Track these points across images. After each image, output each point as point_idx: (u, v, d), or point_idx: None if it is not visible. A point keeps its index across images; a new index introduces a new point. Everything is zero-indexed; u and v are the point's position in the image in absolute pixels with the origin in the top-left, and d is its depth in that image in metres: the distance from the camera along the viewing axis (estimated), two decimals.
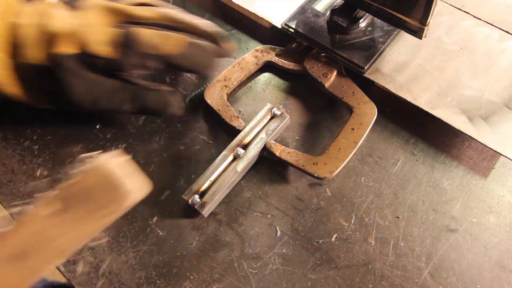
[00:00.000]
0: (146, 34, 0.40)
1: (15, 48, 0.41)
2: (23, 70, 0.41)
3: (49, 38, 0.40)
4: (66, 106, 0.43)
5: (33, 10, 0.41)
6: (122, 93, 0.41)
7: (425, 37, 0.44)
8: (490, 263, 0.39)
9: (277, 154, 0.43)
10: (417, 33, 0.43)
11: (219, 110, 0.46)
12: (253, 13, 0.52)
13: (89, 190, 0.26)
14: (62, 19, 0.41)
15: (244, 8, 0.52)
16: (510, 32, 0.49)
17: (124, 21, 0.42)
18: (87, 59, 0.40)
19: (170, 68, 0.43)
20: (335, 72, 0.47)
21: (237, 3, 0.53)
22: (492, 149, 0.42)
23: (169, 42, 0.40)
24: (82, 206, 0.26)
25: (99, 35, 0.40)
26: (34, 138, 0.46)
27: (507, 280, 0.38)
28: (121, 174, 0.26)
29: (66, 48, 0.39)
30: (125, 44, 0.40)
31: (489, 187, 0.43)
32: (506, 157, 0.41)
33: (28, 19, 0.41)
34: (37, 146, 0.46)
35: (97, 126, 0.47)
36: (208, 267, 0.39)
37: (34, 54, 0.40)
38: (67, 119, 0.47)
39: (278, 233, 0.41)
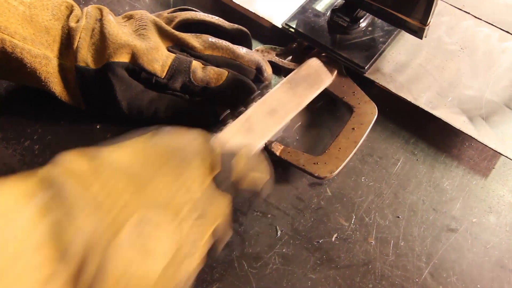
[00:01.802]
0: (196, 67, 0.43)
1: (66, 50, 0.43)
2: (72, 71, 0.43)
3: (105, 45, 0.42)
4: (102, 109, 0.45)
5: (92, 15, 0.43)
6: (158, 102, 0.44)
7: (425, 37, 0.44)
8: (490, 263, 0.39)
9: (278, 153, 0.43)
10: (418, 33, 0.43)
11: (218, 109, 0.46)
12: (254, 13, 0.52)
13: (305, 75, 0.45)
14: (119, 29, 0.43)
15: (245, 8, 0.52)
16: (511, 32, 0.49)
17: (175, 45, 0.45)
18: (133, 69, 0.42)
19: (208, 99, 0.45)
20: (335, 72, 0.47)
21: (238, 3, 0.53)
22: (492, 149, 0.42)
23: (209, 75, 0.43)
24: (302, 84, 0.44)
25: (153, 53, 0.42)
26: (35, 138, 0.46)
27: (507, 280, 0.38)
28: (321, 68, 0.46)
29: (120, 57, 0.42)
30: (176, 69, 0.42)
31: (490, 187, 0.43)
32: (506, 157, 0.41)
33: (86, 25, 0.43)
34: (37, 146, 0.46)
35: (97, 126, 0.47)
36: (208, 267, 0.39)
37: (87, 58, 0.42)
38: (68, 119, 0.47)
39: (278, 233, 0.41)
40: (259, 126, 0.41)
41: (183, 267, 0.28)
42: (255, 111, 0.42)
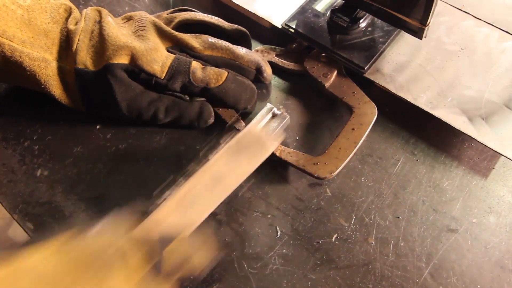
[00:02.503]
0: (196, 68, 0.43)
1: (65, 53, 0.43)
2: (71, 74, 0.43)
3: (105, 47, 0.42)
4: (102, 111, 0.45)
5: (90, 17, 0.43)
6: (158, 103, 0.44)
7: (425, 37, 0.44)
8: (490, 263, 0.39)
9: (277, 154, 0.43)
10: (417, 33, 0.44)
11: (219, 110, 0.46)
12: (254, 13, 0.52)
13: (247, 144, 0.40)
14: (118, 31, 0.43)
15: (245, 8, 0.52)
16: (510, 32, 0.49)
17: (175, 46, 0.45)
18: (133, 70, 0.42)
19: (208, 99, 0.45)
20: (335, 72, 0.47)
21: (238, 3, 0.53)
22: (492, 149, 0.42)
23: (209, 76, 0.43)
24: (244, 153, 0.40)
25: (152, 53, 0.42)
26: (35, 138, 0.46)
27: (507, 280, 0.38)
28: (264, 135, 0.41)
29: (119, 59, 0.42)
30: (175, 70, 0.42)
31: (489, 187, 0.43)
32: (506, 157, 0.41)
33: (85, 27, 0.43)
34: (37, 146, 0.46)
35: (97, 127, 0.47)
36: (208, 267, 0.39)
37: (86, 60, 0.42)
38: (68, 119, 0.47)
39: (278, 233, 0.41)
40: (200, 200, 0.37)
41: None
42: (195, 183, 0.38)
